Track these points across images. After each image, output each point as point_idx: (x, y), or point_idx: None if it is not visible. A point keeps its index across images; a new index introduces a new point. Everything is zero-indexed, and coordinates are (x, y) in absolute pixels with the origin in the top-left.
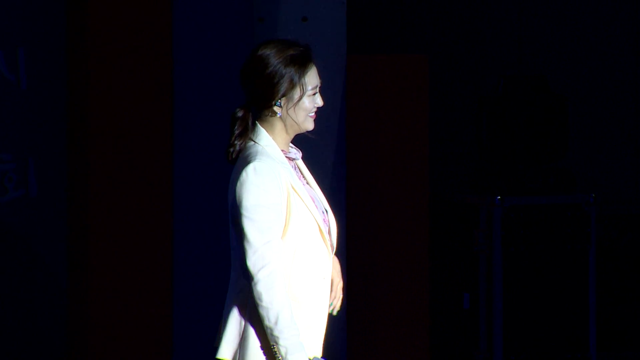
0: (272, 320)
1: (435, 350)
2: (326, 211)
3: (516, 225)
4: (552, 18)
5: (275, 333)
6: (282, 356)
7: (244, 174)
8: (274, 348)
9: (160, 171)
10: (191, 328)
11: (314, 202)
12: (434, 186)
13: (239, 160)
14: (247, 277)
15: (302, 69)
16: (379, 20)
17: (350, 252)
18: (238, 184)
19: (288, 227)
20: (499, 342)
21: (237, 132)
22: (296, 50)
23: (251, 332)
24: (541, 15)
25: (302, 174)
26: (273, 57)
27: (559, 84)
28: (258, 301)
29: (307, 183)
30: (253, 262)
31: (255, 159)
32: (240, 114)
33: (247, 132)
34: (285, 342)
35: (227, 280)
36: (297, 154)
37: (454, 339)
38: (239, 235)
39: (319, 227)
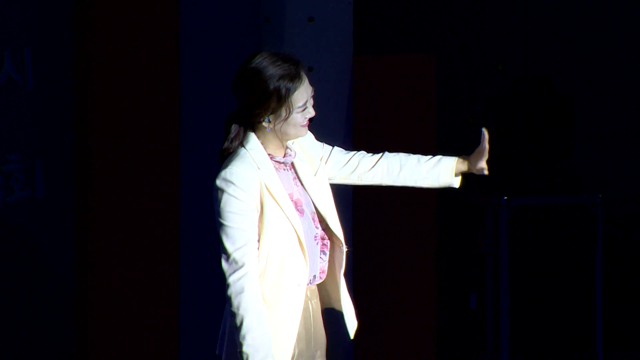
0: (237, 324)
1: (442, 350)
2: (313, 212)
3: (523, 226)
4: (559, 18)
5: (239, 338)
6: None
7: (217, 181)
8: (238, 350)
9: (167, 172)
10: (197, 328)
11: (297, 206)
12: None
13: (223, 164)
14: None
15: (291, 86)
16: (385, 21)
17: (357, 252)
18: (213, 191)
19: (262, 232)
20: (506, 342)
21: (231, 136)
22: (286, 69)
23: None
24: (548, 15)
25: (297, 175)
26: (262, 74)
27: (566, 84)
28: (228, 305)
29: (302, 185)
30: (225, 267)
31: (229, 166)
32: (233, 118)
33: (239, 137)
34: (246, 348)
35: None
36: (289, 157)
37: (460, 339)
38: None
39: (296, 233)
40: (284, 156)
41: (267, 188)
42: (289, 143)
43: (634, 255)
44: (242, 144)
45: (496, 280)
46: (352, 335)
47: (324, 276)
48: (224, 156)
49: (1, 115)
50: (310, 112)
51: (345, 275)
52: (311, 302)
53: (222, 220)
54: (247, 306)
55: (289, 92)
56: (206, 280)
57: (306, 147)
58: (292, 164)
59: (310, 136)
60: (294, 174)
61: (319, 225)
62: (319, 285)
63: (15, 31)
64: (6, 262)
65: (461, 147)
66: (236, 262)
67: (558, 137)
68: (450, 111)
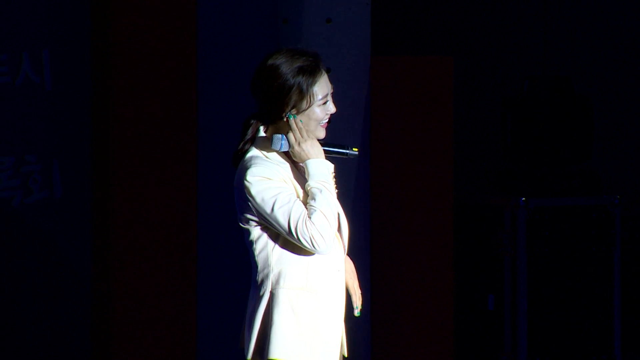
0: (330, 220)
1: (460, 352)
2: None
3: (541, 227)
4: (577, 19)
5: (330, 206)
6: (330, 179)
7: (247, 179)
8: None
9: (184, 172)
10: (215, 328)
11: None
12: (459, 187)
13: (239, 165)
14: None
15: (310, 79)
16: (403, 22)
17: (374, 253)
18: (246, 191)
19: None
20: (524, 344)
21: (247, 138)
22: (305, 61)
23: (274, 333)
24: (566, 16)
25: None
26: (281, 69)
27: (584, 85)
28: (313, 241)
29: None
30: (298, 235)
31: (250, 167)
32: (252, 121)
33: (254, 139)
34: (326, 192)
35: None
36: None
37: (478, 341)
38: (277, 228)
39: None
40: None
41: (292, 180)
42: None
43: None
44: (254, 145)
45: (514, 281)
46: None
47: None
48: (238, 156)
49: (19, 116)
50: (330, 109)
51: (363, 276)
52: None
53: (267, 209)
54: (323, 229)
55: (309, 84)
56: (224, 278)
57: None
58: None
59: None
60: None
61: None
62: None
63: (32, 33)
64: (24, 262)
65: (478, 148)
66: (304, 229)
67: (576, 138)
68: (468, 112)
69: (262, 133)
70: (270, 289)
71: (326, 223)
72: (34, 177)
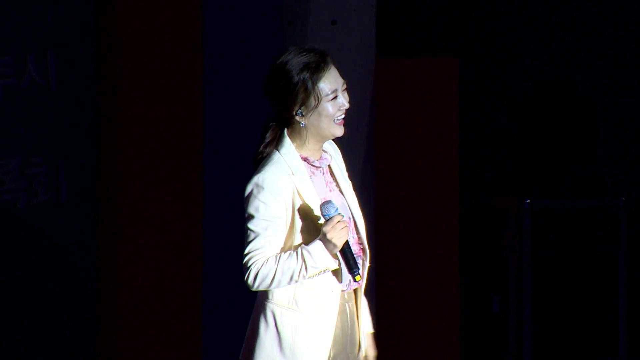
0: (283, 281)
1: (465, 353)
2: (349, 218)
3: (545, 228)
4: (582, 21)
5: (295, 278)
6: (313, 270)
7: (248, 185)
8: (309, 276)
9: (190, 174)
10: (220, 330)
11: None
12: (464, 189)
13: (257, 168)
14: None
15: (315, 75)
16: (408, 23)
17: (379, 254)
18: (245, 194)
19: (294, 237)
20: (529, 346)
21: (266, 140)
22: (309, 57)
23: (257, 346)
24: (571, 17)
25: (334, 178)
26: (286, 67)
27: (589, 86)
28: (248, 275)
29: (339, 189)
30: (244, 262)
31: (262, 171)
32: (271, 124)
33: (274, 141)
34: (308, 271)
35: None
36: (324, 161)
37: (483, 342)
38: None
39: None
40: (320, 159)
41: (299, 193)
42: (327, 147)
43: None
44: (276, 148)
45: (519, 283)
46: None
47: (361, 282)
48: (258, 160)
49: (24, 118)
50: (341, 103)
51: (368, 277)
52: (348, 305)
53: (248, 223)
54: (262, 276)
55: (314, 81)
56: (229, 281)
57: (339, 156)
58: (330, 167)
59: (336, 148)
60: (331, 179)
61: (352, 231)
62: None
63: (37, 34)
64: (30, 265)
65: (483, 150)
66: (245, 266)
67: (581, 139)
68: (473, 114)
69: (287, 139)
70: (262, 301)
71: (269, 279)
72: (39, 179)
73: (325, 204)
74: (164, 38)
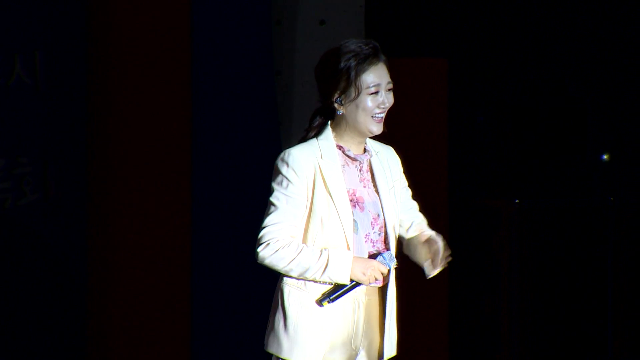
0: (293, 273)
1: (454, 353)
2: (379, 215)
3: (535, 228)
4: (572, 23)
5: (307, 276)
6: (327, 279)
7: (277, 160)
8: (327, 282)
9: (179, 173)
10: (210, 329)
11: (358, 202)
12: (453, 189)
13: None
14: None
15: (360, 66)
16: (397, 24)
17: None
18: (274, 168)
19: (310, 218)
20: (518, 345)
21: (312, 126)
22: (358, 48)
23: (269, 323)
24: (561, 20)
25: (373, 178)
26: (335, 55)
27: (578, 87)
28: (260, 245)
29: (375, 188)
30: (259, 237)
31: (292, 148)
32: (317, 112)
33: (317, 129)
34: (326, 276)
35: (244, 280)
36: (363, 156)
37: (473, 342)
38: None
39: (342, 225)
40: (359, 153)
41: (322, 176)
42: (370, 145)
43: None
44: (316, 136)
45: (508, 282)
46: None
47: (378, 282)
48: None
49: (12, 118)
50: (381, 101)
51: None
52: (361, 301)
53: (270, 196)
54: (279, 257)
55: (359, 71)
56: (218, 281)
57: (393, 162)
58: (370, 167)
59: (394, 154)
60: (369, 177)
61: (377, 229)
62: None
63: (26, 34)
64: (18, 265)
65: (473, 150)
66: (262, 237)
67: (570, 139)
68: (462, 114)
69: (329, 128)
70: (280, 279)
71: (282, 263)
72: (27, 179)
73: (391, 254)
74: (154, 38)
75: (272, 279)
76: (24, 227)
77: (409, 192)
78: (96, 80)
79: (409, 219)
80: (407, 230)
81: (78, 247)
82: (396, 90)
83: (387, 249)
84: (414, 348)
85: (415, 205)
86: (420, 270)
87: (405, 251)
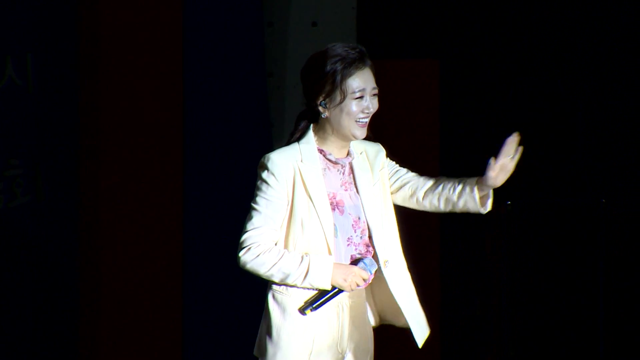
0: (275, 278)
1: (445, 355)
2: (359, 218)
3: (526, 229)
4: (564, 22)
5: (287, 281)
6: (308, 285)
7: (259, 162)
8: (309, 287)
9: (171, 174)
10: (201, 329)
11: (338, 206)
12: None
13: None
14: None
15: (346, 70)
16: (389, 25)
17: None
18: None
19: (291, 222)
20: (509, 347)
21: (295, 131)
22: (345, 52)
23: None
24: (552, 19)
25: (354, 181)
26: (321, 58)
27: (570, 87)
28: (242, 248)
29: (357, 190)
30: (240, 241)
31: (272, 152)
32: (301, 115)
33: (301, 131)
34: (307, 281)
35: (235, 281)
36: (345, 159)
37: (464, 344)
38: None
39: (323, 229)
40: (341, 157)
41: (302, 180)
42: (354, 148)
43: (639, 258)
44: (298, 140)
45: (499, 283)
46: (419, 343)
47: (360, 287)
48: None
49: (3, 120)
50: (366, 105)
51: None
52: (345, 305)
53: (251, 201)
54: (260, 262)
55: (344, 75)
56: (210, 282)
57: (372, 156)
58: (352, 169)
59: (378, 148)
60: (351, 179)
61: (359, 232)
62: (375, 299)
63: (17, 36)
64: (10, 267)
65: (464, 152)
66: (244, 242)
67: (562, 140)
68: (454, 116)
69: (311, 131)
70: (268, 283)
71: (263, 268)
72: (19, 180)
73: (371, 259)
74: (145, 39)
75: (264, 282)
76: (15, 229)
77: (405, 169)
78: (87, 82)
79: (432, 184)
80: (447, 202)
81: (69, 248)
82: (388, 91)
83: (370, 251)
84: (406, 349)
85: (422, 178)
86: (411, 273)
87: (468, 198)
